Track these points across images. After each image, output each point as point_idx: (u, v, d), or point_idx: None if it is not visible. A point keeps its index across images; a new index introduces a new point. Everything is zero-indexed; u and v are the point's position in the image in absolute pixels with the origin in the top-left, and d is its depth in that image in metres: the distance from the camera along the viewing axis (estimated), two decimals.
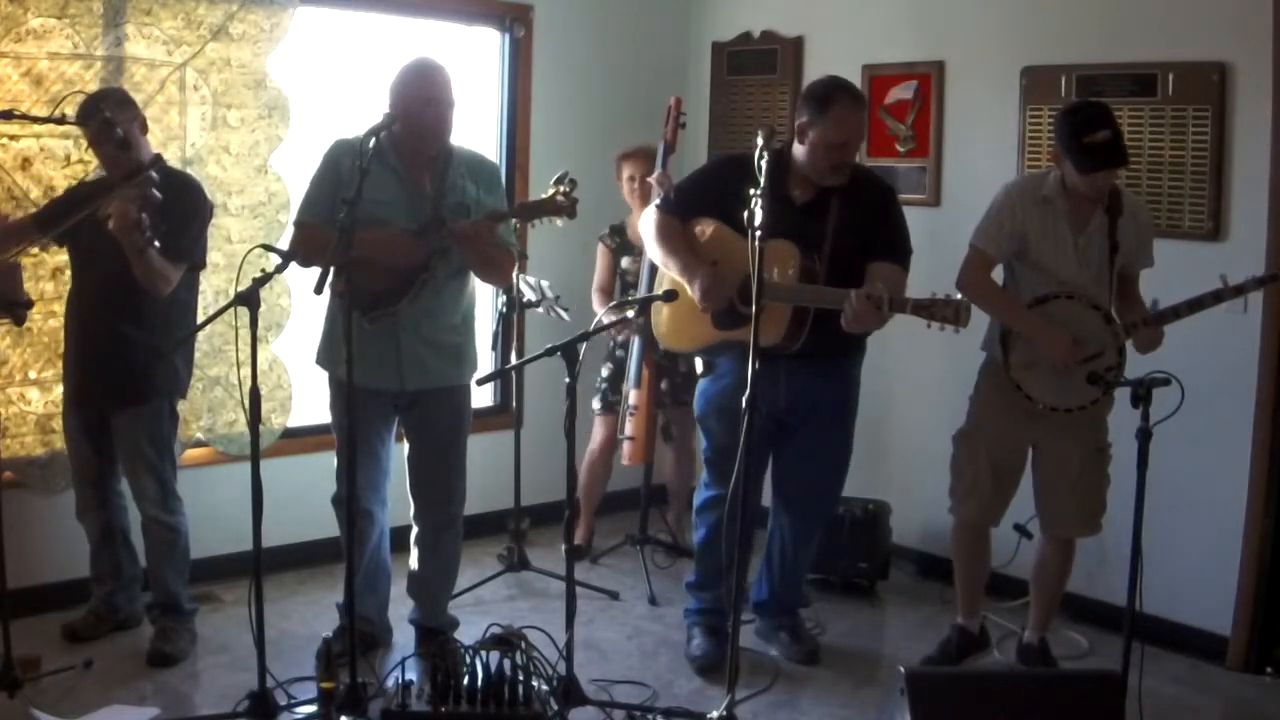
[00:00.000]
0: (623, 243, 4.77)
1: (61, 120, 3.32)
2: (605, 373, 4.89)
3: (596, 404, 4.89)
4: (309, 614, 4.14)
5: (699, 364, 3.89)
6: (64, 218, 3.47)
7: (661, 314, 3.84)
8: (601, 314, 3.60)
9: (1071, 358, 3.42)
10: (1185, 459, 3.83)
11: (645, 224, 3.79)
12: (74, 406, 3.74)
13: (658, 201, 3.81)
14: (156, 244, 3.33)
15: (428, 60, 3.51)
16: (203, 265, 3.75)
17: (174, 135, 4.10)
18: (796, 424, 3.70)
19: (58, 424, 3.94)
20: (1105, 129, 3.36)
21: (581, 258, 4.91)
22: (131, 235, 3.29)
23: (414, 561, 3.81)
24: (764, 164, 3.15)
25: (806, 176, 3.58)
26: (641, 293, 4.40)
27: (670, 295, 3.50)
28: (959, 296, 3.09)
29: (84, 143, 3.68)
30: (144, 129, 3.61)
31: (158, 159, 3.45)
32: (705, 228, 3.69)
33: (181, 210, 3.52)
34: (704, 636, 3.89)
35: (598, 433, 4.92)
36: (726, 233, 3.60)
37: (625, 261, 4.73)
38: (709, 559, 3.89)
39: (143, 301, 3.53)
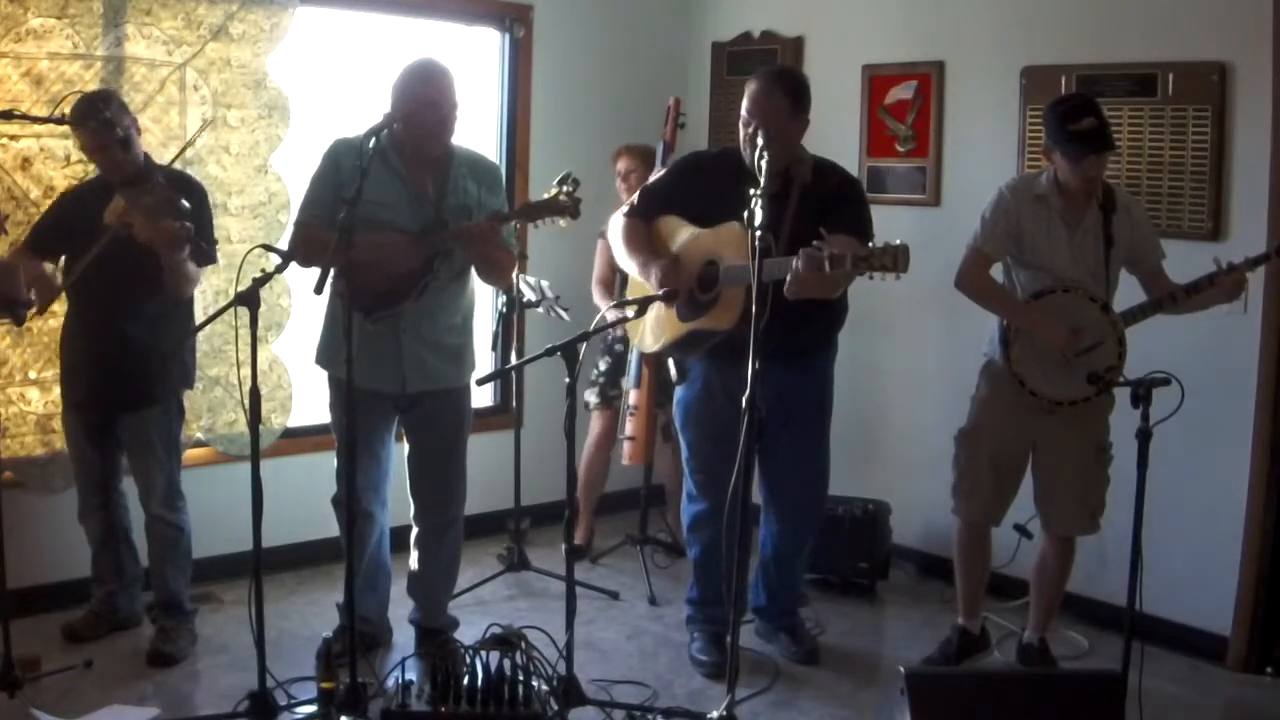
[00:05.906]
0: None
1: (61, 120, 3.32)
2: (603, 366, 4.88)
3: (594, 398, 4.88)
4: (309, 614, 4.14)
5: (673, 371, 3.85)
6: (67, 242, 3.51)
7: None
8: (603, 312, 3.58)
9: (1071, 347, 3.44)
10: (1185, 459, 3.83)
11: (613, 229, 3.80)
12: (77, 410, 3.72)
13: (624, 209, 3.81)
14: (206, 255, 3.34)
15: (431, 62, 3.48)
16: (215, 260, 3.73)
17: (174, 135, 4.10)
18: (777, 427, 3.68)
19: (58, 424, 3.94)
20: (1090, 116, 3.40)
21: (582, 257, 4.91)
22: (178, 252, 3.30)
23: (414, 562, 3.80)
24: (763, 164, 3.14)
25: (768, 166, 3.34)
26: None
27: (670, 295, 3.49)
28: (898, 242, 3.06)
29: None
30: (139, 132, 3.60)
31: (148, 161, 3.46)
32: (667, 225, 3.70)
33: (196, 212, 3.51)
34: (707, 641, 3.89)
35: (594, 428, 4.91)
36: (687, 228, 3.62)
37: None
38: (708, 577, 3.88)
39: (146, 303, 3.53)
